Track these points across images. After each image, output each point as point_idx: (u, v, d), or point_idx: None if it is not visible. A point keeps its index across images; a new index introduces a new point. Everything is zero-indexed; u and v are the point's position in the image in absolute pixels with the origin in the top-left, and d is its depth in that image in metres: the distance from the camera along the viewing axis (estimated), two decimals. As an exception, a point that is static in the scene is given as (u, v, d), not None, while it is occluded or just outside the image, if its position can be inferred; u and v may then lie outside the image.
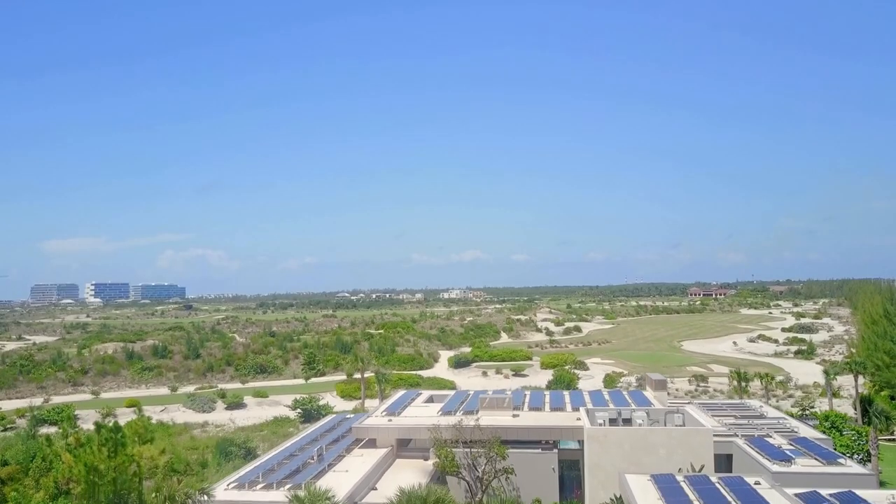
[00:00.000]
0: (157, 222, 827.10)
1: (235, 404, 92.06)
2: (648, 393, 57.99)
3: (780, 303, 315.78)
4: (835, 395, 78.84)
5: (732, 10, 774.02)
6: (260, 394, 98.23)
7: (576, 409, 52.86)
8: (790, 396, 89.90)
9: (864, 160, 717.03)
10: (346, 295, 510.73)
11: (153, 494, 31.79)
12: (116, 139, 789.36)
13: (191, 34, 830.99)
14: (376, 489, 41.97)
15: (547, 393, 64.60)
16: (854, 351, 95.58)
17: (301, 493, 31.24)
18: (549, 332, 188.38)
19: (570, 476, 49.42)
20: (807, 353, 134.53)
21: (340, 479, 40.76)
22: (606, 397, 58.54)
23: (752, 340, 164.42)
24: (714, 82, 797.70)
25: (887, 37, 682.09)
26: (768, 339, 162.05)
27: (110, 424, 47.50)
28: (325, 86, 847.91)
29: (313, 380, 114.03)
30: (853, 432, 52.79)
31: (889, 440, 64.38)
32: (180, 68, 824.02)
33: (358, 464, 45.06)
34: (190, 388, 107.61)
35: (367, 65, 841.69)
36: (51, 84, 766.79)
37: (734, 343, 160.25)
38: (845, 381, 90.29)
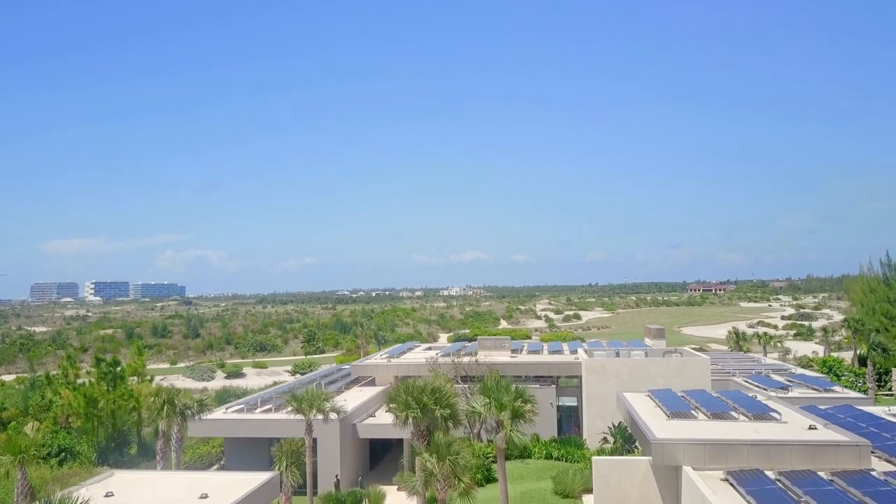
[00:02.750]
0: (157, 222, 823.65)
1: (235, 373, 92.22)
2: (648, 342, 58.19)
3: (780, 297, 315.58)
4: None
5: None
6: (259, 365, 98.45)
7: (573, 353, 53.03)
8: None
9: (864, 160, 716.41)
10: (346, 293, 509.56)
11: (152, 399, 31.86)
12: (116, 138, 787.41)
13: (188, 29, 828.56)
14: (374, 417, 42.12)
15: (545, 343, 64.80)
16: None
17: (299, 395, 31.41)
18: (548, 320, 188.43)
19: (569, 421, 49.64)
20: (806, 335, 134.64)
21: (339, 405, 40.78)
22: (605, 346, 58.71)
23: (751, 326, 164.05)
24: (715, 80, 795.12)
25: (889, 32, 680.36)
26: (768, 325, 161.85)
27: (109, 358, 47.64)
28: (325, 84, 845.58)
29: (312, 356, 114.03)
30: (850, 374, 52.91)
31: (888, 395, 64.47)
32: (178, 63, 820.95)
33: (357, 396, 45.23)
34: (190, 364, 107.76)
35: (368, 62, 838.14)
36: (47, 77, 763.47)
37: (733, 328, 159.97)
38: (844, 355, 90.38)
